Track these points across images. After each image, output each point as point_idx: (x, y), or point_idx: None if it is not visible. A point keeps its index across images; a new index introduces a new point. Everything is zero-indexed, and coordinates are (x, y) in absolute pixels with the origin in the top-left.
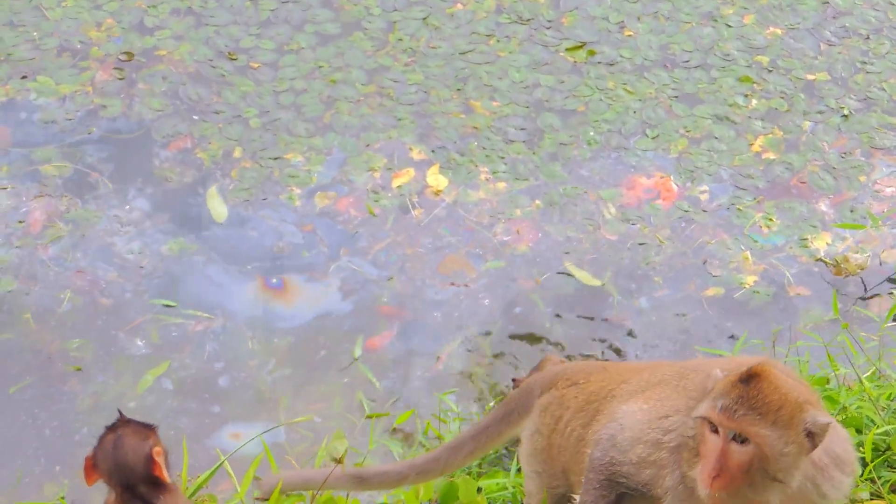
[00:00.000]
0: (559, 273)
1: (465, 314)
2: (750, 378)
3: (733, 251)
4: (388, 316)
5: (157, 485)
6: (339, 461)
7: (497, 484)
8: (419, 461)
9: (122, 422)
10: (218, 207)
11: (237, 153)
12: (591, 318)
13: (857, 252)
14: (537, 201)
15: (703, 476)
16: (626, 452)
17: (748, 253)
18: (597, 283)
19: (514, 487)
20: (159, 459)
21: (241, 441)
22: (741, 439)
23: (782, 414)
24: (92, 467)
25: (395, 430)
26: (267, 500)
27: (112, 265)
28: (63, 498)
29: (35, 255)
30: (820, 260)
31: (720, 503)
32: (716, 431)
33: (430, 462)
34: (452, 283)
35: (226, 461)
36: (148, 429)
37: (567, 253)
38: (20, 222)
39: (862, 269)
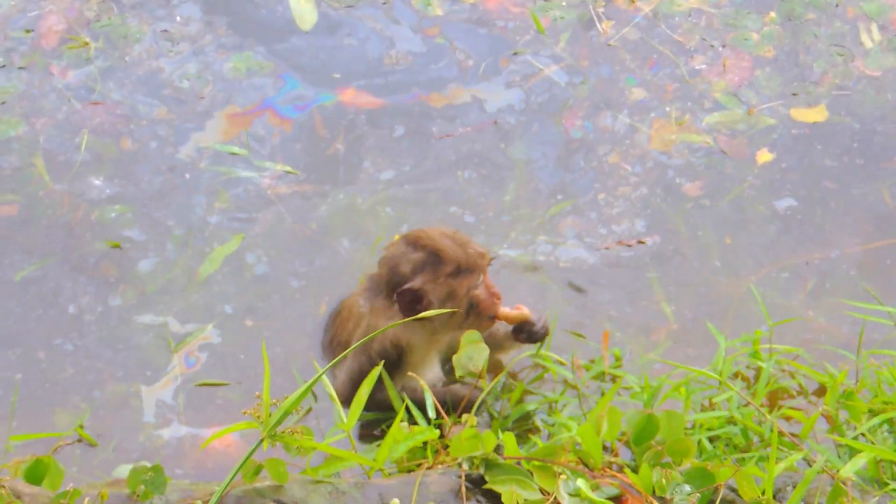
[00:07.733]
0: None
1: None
2: None
3: None
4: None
5: None
6: None
7: (718, 418)
8: None
9: None
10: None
11: None
12: None
13: None
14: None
15: None
16: None
17: None
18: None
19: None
20: None
21: None
22: None
23: None
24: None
25: None
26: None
27: (157, 97)
28: (81, 427)
29: (47, 81)
30: None
31: None
32: None
33: None
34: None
35: None
36: None
37: (794, 95)
38: (27, 31)
39: None
